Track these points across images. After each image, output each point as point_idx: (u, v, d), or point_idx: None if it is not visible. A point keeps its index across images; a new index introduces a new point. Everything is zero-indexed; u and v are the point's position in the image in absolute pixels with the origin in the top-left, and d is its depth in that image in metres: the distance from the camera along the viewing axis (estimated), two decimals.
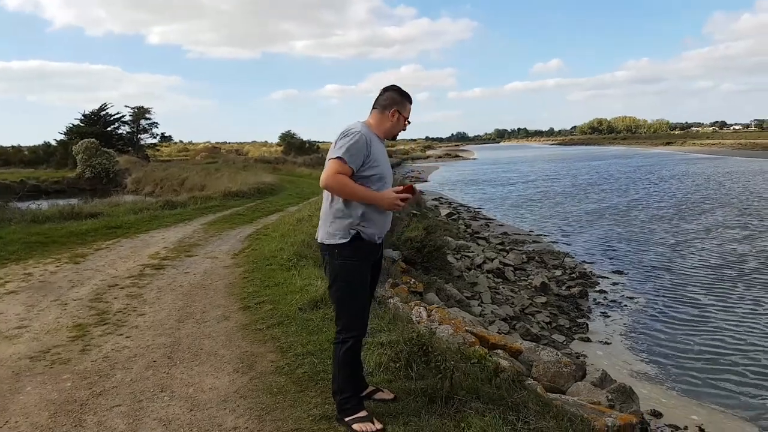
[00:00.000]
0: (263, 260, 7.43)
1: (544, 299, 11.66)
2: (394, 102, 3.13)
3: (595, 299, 11.89)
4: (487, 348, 5.76)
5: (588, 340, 9.53)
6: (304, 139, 56.77)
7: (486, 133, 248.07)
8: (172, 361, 4.21)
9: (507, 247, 17.06)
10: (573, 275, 13.65)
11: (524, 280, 13.45)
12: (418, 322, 5.58)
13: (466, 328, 5.94)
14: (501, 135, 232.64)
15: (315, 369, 3.75)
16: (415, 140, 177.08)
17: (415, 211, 16.49)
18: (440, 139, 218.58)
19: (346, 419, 2.99)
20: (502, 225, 22.44)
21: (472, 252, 15.03)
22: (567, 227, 20.95)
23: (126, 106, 58.03)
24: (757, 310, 10.51)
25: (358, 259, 3.00)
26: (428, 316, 5.91)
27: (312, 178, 22.69)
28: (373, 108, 3.17)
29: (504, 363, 4.67)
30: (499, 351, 5.35)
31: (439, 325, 5.14)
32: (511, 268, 14.29)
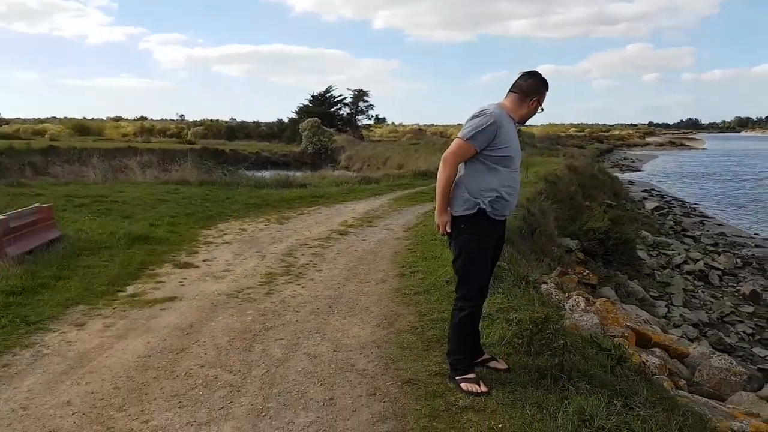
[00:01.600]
0: (429, 235, 7.84)
1: (751, 309, 10.38)
2: (536, 91, 3.22)
3: None
4: (648, 345, 5.49)
5: None
6: None
7: (724, 121, 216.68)
8: (332, 310, 4.84)
9: (719, 249, 15.27)
10: None
11: (732, 286, 12.05)
12: (571, 311, 5.52)
13: (627, 323, 5.70)
14: (743, 124, 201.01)
15: (443, 333, 4.02)
16: (635, 125, 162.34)
17: (609, 201, 15.52)
18: (666, 126, 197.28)
19: (456, 378, 3.25)
20: (720, 225, 20.07)
21: (672, 250, 13.79)
22: None
23: (348, 89, 62.88)
24: None
25: (482, 234, 3.20)
26: (586, 305, 5.78)
27: None
28: (512, 91, 3.26)
29: (653, 360, 4.46)
30: (656, 350, 5.06)
31: (594, 315, 5.03)
32: (718, 272, 12.87)
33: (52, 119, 72.35)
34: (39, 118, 76.77)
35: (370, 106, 60.54)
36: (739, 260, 13.97)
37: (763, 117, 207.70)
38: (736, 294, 11.32)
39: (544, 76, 3.27)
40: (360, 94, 58.98)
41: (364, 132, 59.75)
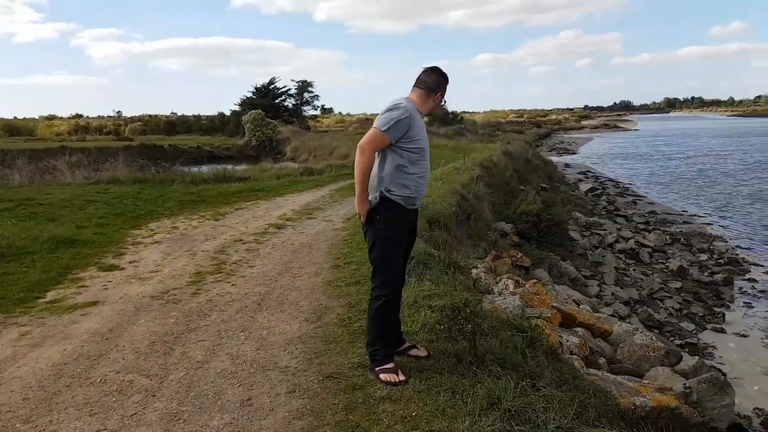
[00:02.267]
0: None
1: (678, 284, 10.89)
2: (440, 86, 3.35)
3: (741, 288, 10.86)
4: (573, 325, 5.68)
5: (722, 331, 8.87)
6: (452, 110, 56.86)
7: (654, 103, 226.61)
8: (260, 307, 4.78)
9: (650, 227, 15.96)
10: (720, 261, 12.55)
11: (662, 263, 12.62)
12: (499, 294, 5.65)
13: (553, 304, 5.87)
14: (671, 104, 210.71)
15: None
16: (571, 110, 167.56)
17: (544, 185, 15.97)
18: (601, 108, 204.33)
19: (376, 369, 3.28)
20: (652, 203, 20.97)
21: (605, 230, 14.32)
22: (726, 209, 18.98)
23: (292, 80, 62.11)
24: None
25: (396, 223, 3.27)
26: (514, 288, 5.92)
27: (447, 148, 22.70)
28: (417, 86, 3.36)
29: (573, 339, 4.62)
30: (579, 329, 5.25)
31: (517, 297, 5.16)
32: (649, 250, 13.45)
33: None
34: None
35: (316, 97, 59.92)
36: (668, 237, 14.63)
37: (690, 97, 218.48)
38: (665, 270, 11.85)
39: (444, 70, 3.39)
40: (305, 85, 58.26)
41: (311, 122, 59.16)
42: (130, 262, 6.45)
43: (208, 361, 3.74)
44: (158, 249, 7.10)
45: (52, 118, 72.67)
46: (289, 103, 57.65)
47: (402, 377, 3.20)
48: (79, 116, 77.70)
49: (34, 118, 70.47)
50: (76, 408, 3.17)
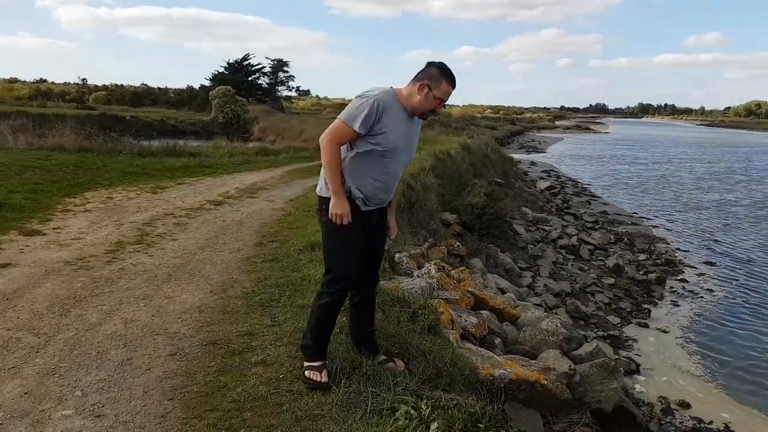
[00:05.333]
0: (307, 207, 7.85)
1: (612, 281, 11.25)
2: (429, 76, 2.88)
3: (672, 287, 11.30)
4: (486, 309, 5.89)
5: (645, 326, 9.25)
6: None
7: (628, 107, 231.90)
8: (169, 278, 4.82)
9: (597, 226, 16.40)
10: (658, 261, 13.00)
11: (601, 260, 12.99)
12: (418, 277, 5.81)
13: (469, 289, 6.06)
14: (644, 110, 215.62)
15: (271, 298, 4.19)
16: (548, 109, 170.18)
17: (498, 180, 16.27)
18: (576, 110, 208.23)
19: (305, 363, 3.04)
20: (606, 204, 21.51)
21: (550, 226, 14.65)
22: (677, 214, 19.57)
23: (267, 58, 61.37)
24: None
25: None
26: (436, 272, 6.09)
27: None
28: (412, 79, 2.94)
29: (472, 320, 4.80)
30: (484, 312, 5.44)
31: (424, 280, 5.32)
32: (590, 247, 13.81)
33: None
34: None
35: (291, 77, 59.35)
36: (612, 236, 15.06)
37: (663, 104, 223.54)
38: (603, 267, 12.23)
39: (449, 67, 2.91)
40: (280, 64, 57.52)
41: (285, 104, 58.49)
42: (53, 229, 6.39)
43: (101, 324, 3.78)
44: (87, 218, 7.04)
45: (14, 81, 70.22)
46: (263, 82, 56.87)
47: (324, 378, 2.95)
48: (42, 81, 75.42)
49: None
50: None
